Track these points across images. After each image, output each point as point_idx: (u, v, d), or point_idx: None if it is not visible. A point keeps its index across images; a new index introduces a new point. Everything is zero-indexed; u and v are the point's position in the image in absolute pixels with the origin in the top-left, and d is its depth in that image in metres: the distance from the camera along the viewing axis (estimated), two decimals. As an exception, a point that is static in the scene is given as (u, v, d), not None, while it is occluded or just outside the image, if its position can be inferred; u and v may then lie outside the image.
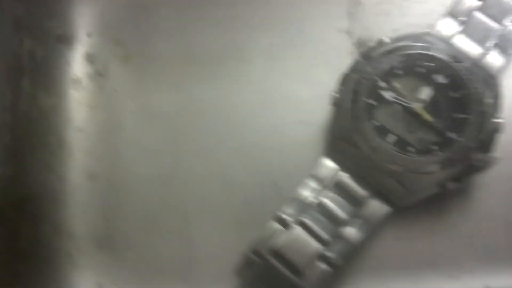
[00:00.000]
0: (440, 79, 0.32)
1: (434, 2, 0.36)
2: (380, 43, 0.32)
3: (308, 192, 0.31)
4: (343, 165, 0.32)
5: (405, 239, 0.33)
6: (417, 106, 0.31)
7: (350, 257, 0.30)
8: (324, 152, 0.32)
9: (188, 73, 0.36)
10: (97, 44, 0.36)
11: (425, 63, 0.32)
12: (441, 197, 0.32)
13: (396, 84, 0.32)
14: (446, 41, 0.33)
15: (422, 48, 0.32)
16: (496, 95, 0.31)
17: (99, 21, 0.37)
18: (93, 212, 0.34)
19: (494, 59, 0.33)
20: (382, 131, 0.31)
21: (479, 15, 0.34)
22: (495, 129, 0.31)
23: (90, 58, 0.36)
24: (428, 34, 0.33)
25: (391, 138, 0.31)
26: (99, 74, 0.36)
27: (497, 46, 0.33)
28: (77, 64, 0.36)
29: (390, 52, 0.32)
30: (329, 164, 0.32)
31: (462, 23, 0.34)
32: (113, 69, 0.36)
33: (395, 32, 0.34)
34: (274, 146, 0.34)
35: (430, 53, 0.32)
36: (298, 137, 0.34)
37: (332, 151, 0.32)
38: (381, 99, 0.31)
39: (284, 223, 0.30)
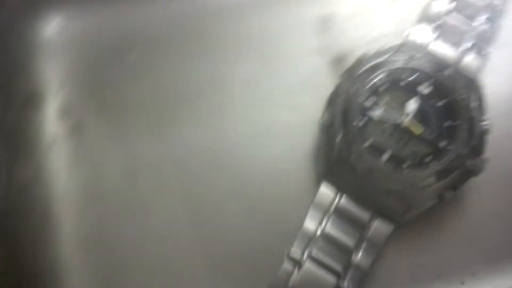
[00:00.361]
0: (425, 90, 0.32)
1: (403, 11, 0.36)
2: (360, 61, 0.32)
3: (312, 224, 0.31)
4: (342, 189, 0.31)
5: (409, 253, 0.33)
6: (405, 121, 0.31)
7: (362, 282, 0.30)
8: (320, 178, 0.32)
9: (167, 116, 0.34)
10: (70, 98, 0.35)
11: (408, 77, 0.32)
12: (437, 206, 0.31)
13: (382, 101, 0.32)
14: (424, 50, 0.33)
15: (403, 61, 0.32)
16: (480, 98, 0.32)
17: (69, 73, 0.35)
18: (90, 280, 0.32)
19: (472, 60, 0.33)
20: (375, 150, 0.31)
21: (452, 18, 0.34)
22: (484, 132, 0.31)
23: (64, 114, 0.34)
24: (405, 44, 0.33)
25: (385, 155, 0.31)
26: (74, 131, 0.34)
27: (473, 46, 0.33)
28: (51, 123, 0.34)
29: (372, 69, 0.32)
30: (328, 190, 0.31)
31: (436, 28, 0.34)
32: (89, 122, 0.34)
33: (369, 45, 0.34)
34: (268, 180, 0.33)
35: (411, 66, 0.32)
36: (291, 166, 0.34)
37: (329, 176, 0.31)
38: (370, 118, 0.31)
39: (295, 262, 0.30)
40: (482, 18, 0.34)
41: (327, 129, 0.31)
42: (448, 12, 0.34)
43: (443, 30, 0.33)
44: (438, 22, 0.34)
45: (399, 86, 0.32)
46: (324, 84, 0.34)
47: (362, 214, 0.31)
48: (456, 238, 0.33)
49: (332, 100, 0.32)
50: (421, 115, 0.31)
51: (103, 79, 0.35)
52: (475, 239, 0.33)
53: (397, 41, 0.34)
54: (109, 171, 0.33)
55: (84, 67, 0.35)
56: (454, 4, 0.34)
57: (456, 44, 0.33)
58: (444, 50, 0.33)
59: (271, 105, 0.35)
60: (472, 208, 0.33)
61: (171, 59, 0.36)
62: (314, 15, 0.36)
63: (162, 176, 0.33)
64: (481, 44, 0.33)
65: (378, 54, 0.32)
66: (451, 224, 0.33)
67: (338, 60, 0.35)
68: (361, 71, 0.32)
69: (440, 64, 0.32)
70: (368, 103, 0.31)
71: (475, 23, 0.34)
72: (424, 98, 0.31)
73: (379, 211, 0.31)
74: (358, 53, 0.34)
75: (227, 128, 0.34)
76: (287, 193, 0.33)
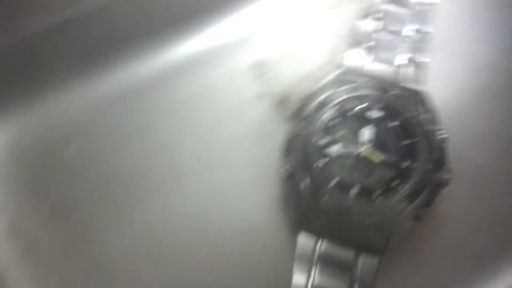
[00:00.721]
0: (376, 114, 0.31)
1: (332, 38, 0.36)
2: (304, 101, 0.32)
3: (301, 279, 0.29)
4: (320, 235, 0.30)
5: (399, 278, 0.32)
6: (363, 151, 0.31)
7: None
8: (296, 228, 0.31)
9: (124, 202, 0.33)
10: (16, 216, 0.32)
11: (356, 106, 0.31)
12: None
13: (337, 136, 0.31)
14: (364, 74, 0.33)
15: (347, 91, 0.31)
16: (429, 109, 0.32)
17: (11, 189, 0.33)
18: None
19: (412, 73, 0.33)
20: (342, 187, 0.30)
21: (382, 36, 0.34)
22: (442, 142, 0.31)
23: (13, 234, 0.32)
24: (344, 73, 0.32)
25: (353, 191, 0.30)
26: (27, 250, 0.32)
27: (410, 59, 0.33)
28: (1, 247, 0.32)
29: (319, 107, 0.31)
30: (306, 239, 0.30)
31: (369, 49, 0.34)
32: (41, 237, 0.32)
33: (307, 80, 0.34)
34: (243, 238, 0.32)
35: (356, 94, 0.31)
36: (262, 221, 0.32)
37: (304, 225, 0.30)
38: (329, 157, 0.31)
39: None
40: (412, 29, 0.34)
41: (290, 178, 0.31)
42: (377, 31, 0.34)
43: (376, 50, 0.34)
44: (369, 44, 0.34)
45: (349, 117, 0.31)
46: (274, 130, 0.34)
47: (346, 254, 0.30)
48: (438, 251, 0.32)
49: (287, 148, 0.31)
50: (377, 141, 0.31)
51: (48, 183, 0.33)
52: (457, 247, 0.32)
53: (333, 70, 0.34)
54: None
55: (25, 177, 0.33)
56: (381, 22, 0.34)
57: (392, 61, 0.33)
58: (383, 69, 0.33)
59: (227, 162, 0.34)
60: (447, 218, 0.33)
61: (115, 141, 0.34)
62: (248, 63, 0.36)
63: (133, 263, 0.31)
64: (416, 55, 0.34)
65: (320, 89, 0.32)
66: (429, 240, 0.32)
67: (281, 102, 0.35)
68: (308, 111, 0.31)
69: (383, 85, 0.32)
70: (323, 142, 0.31)
71: (405, 36, 0.34)
72: (376, 123, 0.31)
73: (362, 247, 0.30)
74: (298, 90, 0.34)
75: (187, 196, 0.33)
76: (265, 249, 0.32)
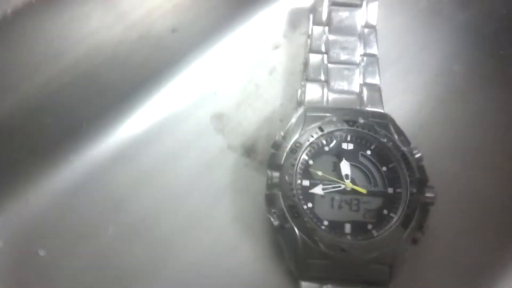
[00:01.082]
0: (349, 146, 0.31)
1: (283, 79, 0.36)
2: (276, 147, 0.31)
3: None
4: (324, 280, 0.29)
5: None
6: (347, 184, 0.30)
7: None
8: (296, 278, 0.29)
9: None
10: None
11: (330, 142, 0.31)
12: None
13: (317, 176, 0.30)
14: (326, 108, 0.32)
15: (316, 130, 0.31)
16: (398, 131, 0.32)
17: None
18: None
19: (368, 96, 0.33)
20: (335, 226, 0.29)
21: (333, 68, 0.34)
22: (420, 160, 0.31)
23: None
24: (307, 110, 0.32)
25: (347, 228, 0.30)
26: None
27: (365, 84, 0.34)
28: None
29: (292, 151, 0.30)
30: (309, 286, 0.29)
31: (323, 82, 0.34)
32: None
33: (269, 123, 0.34)
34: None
35: (327, 131, 0.31)
36: (258, 275, 0.31)
37: (305, 274, 0.29)
38: (315, 198, 0.30)
39: None
40: (358, 55, 0.35)
41: (280, 228, 0.29)
42: (326, 63, 0.34)
43: (330, 82, 0.34)
44: (322, 77, 0.34)
45: (325, 153, 0.31)
46: (250, 180, 0.33)
47: (353, 295, 0.29)
48: (438, 269, 0.32)
49: (270, 198, 0.30)
50: (357, 173, 0.31)
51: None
52: (454, 261, 0.32)
53: (293, 108, 0.34)
54: None
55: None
56: (328, 54, 0.34)
57: (347, 89, 0.33)
58: (341, 99, 0.33)
59: (210, 222, 0.32)
60: (436, 233, 0.32)
61: (89, 229, 0.31)
62: (208, 118, 0.35)
63: None
64: (368, 78, 0.34)
65: (288, 133, 0.31)
66: (426, 257, 0.32)
67: (249, 151, 0.34)
68: (283, 159, 0.30)
69: (348, 117, 0.32)
70: (306, 184, 0.30)
71: (354, 63, 0.34)
72: (352, 156, 0.31)
73: (368, 283, 0.29)
74: (264, 135, 0.34)
75: (176, 264, 0.31)
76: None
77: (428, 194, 0.30)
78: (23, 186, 0.33)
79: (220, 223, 0.32)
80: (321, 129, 0.31)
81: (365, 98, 0.33)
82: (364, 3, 0.36)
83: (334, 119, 0.31)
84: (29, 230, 0.32)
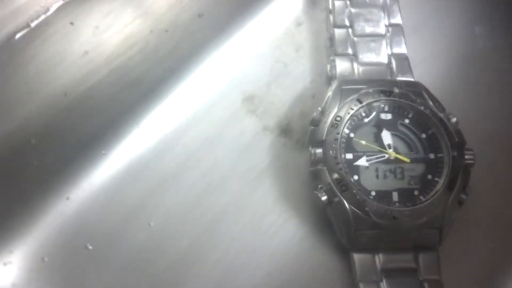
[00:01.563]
0: (388, 116, 0.32)
1: (310, 56, 0.36)
2: (315, 123, 0.31)
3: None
4: (376, 250, 0.30)
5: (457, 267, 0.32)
6: (391, 154, 0.31)
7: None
8: (348, 251, 0.30)
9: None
10: None
11: (369, 114, 0.31)
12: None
13: (361, 144, 0.31)
14: (358, 81, 0.33)
15: (352, 103, 0.31)
16: (432, 97, 0.32)
17: None
18: None
19: (401, 64, 0.34)
20: (384, 195, 0.30)
21: (359, 39, 0.34)
22: (456, 125, 0.31)
23: None
24: (340, 84, 0.32)
25: (394, 196, 0.30)
26: None
27: (393, 54, 0.34)
28: None
29: (333, 126, 0.31)
30: (363, 258, 0.30)
31: (351, 56, 0.34)
32: None
33: (285, 104, 0.35)
34: (294, 276, 0.31)
35: (365, 103, 0.31)
36: (309, 251, 0.32)
37: (357, 245, 0.30)
38: (361, 170, 0.30)
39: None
40: (383, 25, 0.35)
41: (329, 205, 0.30)
42: (352, 36, 0.34)
43: (359, 55, 0.34)
44: (350, 51, 0.34)
45: (365, 125, 0.31)
46: (290, 159, 0.34)
47: (406, 259, 0.30)
48: (483, 230, 0.32)
49: (316, 177, 0.30)
50: (398, 142, 0.31)
51: None
52: (499, 220, 0.33)
53: (324, 84, 0.34)
54: None
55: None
56: (353, 28, 0.35)
57: (376, 61, 0.34)
58: (372, 71, 0.33)
59: (255, 202, 0.32)
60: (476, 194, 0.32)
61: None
62: (240, 98, 0.35)
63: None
64: (395, 48, 0.34)
65: (327, 108, 0.31)
66: (470, 219, 0.32)
67: (285, 130, 0.34)
68: (325, 134, 0.30)
69: (382, 88, 0.32)
70: (350, 157, 0.31)
71: (379, 34, 0.34)
72: (391, 126, 0.31)
73: (419, 247, 0.30)
74: (296, 113, 0.34)
75: (222, 245, 0.32)
76: (319, 276, 0.31)
77: (468, 156, 0.31)
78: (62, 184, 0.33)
79: (263, 205, 0.32)
80: (359, 101, 0.31)
81: (394, 68, 0.34)
82: (384, -27, 0.36)
83: (370, 91, 0.32)
84: (74, 226, 0.32)
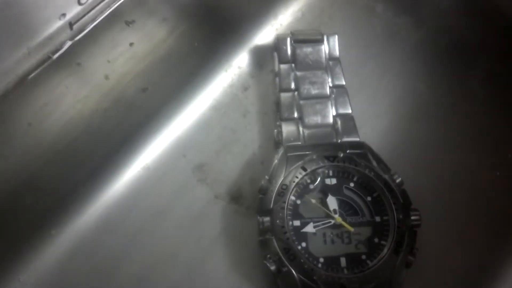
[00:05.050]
0: (333, 181, 0.32)
1: (257, 120, 0.37)
2: (263, 191, 0.31)
3: None
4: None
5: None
6: (337, 219, 0.31)
7: None
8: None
9: None
10: None
11: (314, 180, 0.32)
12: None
13: (307, 211, 0.31)
14: (305, 145, 0.33)
15: (299, 170, 0.32)
16: (377, 158, 0.33)
17: None
18: None
19: (343, 126, 0.34)
20: (331, 263, 0.30)
21: (304, 102, 0.35)
22: (401, 184, 0.32)
23: None
24: (287, 150, 0.33)
25: (342, 261, 0.30)
26: None
27: (337, 115, 0.35)
28: None
29: (281, 193, 0.31)
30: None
31: (297, 119, 0.35)
32: None
33: (235, 171, 0.35)
34: None
35: (309, 170, 0.32)
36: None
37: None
38: (306, 236, 0.31)
39: None
40: (328, 87, 0.36)
41: (278, 274, 0.30)
42: (300, 99, 0.35)
43: (305, 118, 0.34)
44: (296, 115, 0.35)
45: (311, 191, 0.32)
46: (241, 226, 0.33)
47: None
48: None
49: (264, 246, 0.30)
50: (344, 207, 0.32)
51: None
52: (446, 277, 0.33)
53: (272, 148, 0.35)
54: None
55: None
56: (299, 91, 0.35)
57: (322, 123, 0.34)
58: (318, 133, 0.34)
59: (208, 272, 0.32)
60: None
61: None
62: (190, 168, 0.35)
63: None
64: (340, 109, 0.35)
65: (273, 176, 0.32)
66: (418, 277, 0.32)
67: (237, 197, 0.34)
68: (272, 203, 0.31)
69: (328, 153, 0.32)
70: (297, 224, 0.31)
71: (325, 96, 0.35)
72: (336, 191, 0.32)
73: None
74: (246, 179, 0.35)
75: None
76: None
77: (414, 217, 0.31)
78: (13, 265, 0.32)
79: (217, 274, 0.32)
80: (304, 168, 0.32)
81: (340, 128, 0.34)
82: (325, 37, 0.37)
83: (315, 157, 0.32)
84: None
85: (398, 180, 0.32)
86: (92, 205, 0.33)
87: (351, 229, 0.31)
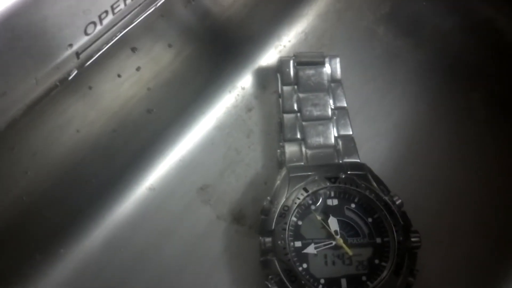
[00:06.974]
0: (334, 202, 0.33)
1: (260, 141, 0.37)
2: (265, 213, 0.32)
3: None
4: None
5: None
6: (338, 240, 0.32)
7: None
8: None
9: None
10: None
11: (315, 201, 0.33)
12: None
13: (309, 232, 0.32)
14: (307, 166, 0.34)
15: (301, 191, 0.32)
16: (377, 179, 0.33)
17: None
18: None
19: (344, 148, 0.35)
20: (331, 284, 0.31)
21: (306, 123, 0.36)
22: (401, 206, 0.33)
23: None
24: (289, 171, 0.33)
25: (343, 283, 0.31)
26: None
27: (338, 137, 0.36)
28: None
29: (283, 215, 0.32)
30: None
31: (299, 140, 0.35)
32: None
33: (238, 191, 0.36)
34: None
35: (310, 191, 0.32)
36: None
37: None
38: (307, 257, 0.31)
39: None
40: (329, 109, 0.36)
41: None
42: (302, 121, 0.36)
43: (308, 139, 0.35)
44: (299, 136, 0.35)
45: (312, 212, 0.32)
46: (242, 246, 0.34)
47: None
48: None
49: (266, 267, 0.31)
50: (346, 226, 0.32)
51: None
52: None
53: (275, 169, 0.35)
54: None
55: None
56: (301, 112, 0.36)
57: (324, 144, 0.35)
58: (320, 154, 0.35)
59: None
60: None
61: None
62: (194, 189, 0.36)
63: None
64: (341, 130, 0.36)
65: (275, 197, 0.32)
66: None
67: (239, 217, 0.35)
68: (273, 224, 0.31)
69: (329, 174, 0.33)
70: (298, 245, 0.31)
71: (327, 118, 0.36)
72: (338, 209, 0.33)
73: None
74: (249, 200, 0.35)
75: None
76: None
77: (414, 239, 0.32)
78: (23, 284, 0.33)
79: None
80: (305, 189, 0.32)
81: (341, 149, 0.35)
82: (327, 60, 0.38)
83: (316, 178, 0.33)
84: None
85: (398, 202, 0.33)
86: (99, 224, 0.34)
87: (351, 253, 0.31)
